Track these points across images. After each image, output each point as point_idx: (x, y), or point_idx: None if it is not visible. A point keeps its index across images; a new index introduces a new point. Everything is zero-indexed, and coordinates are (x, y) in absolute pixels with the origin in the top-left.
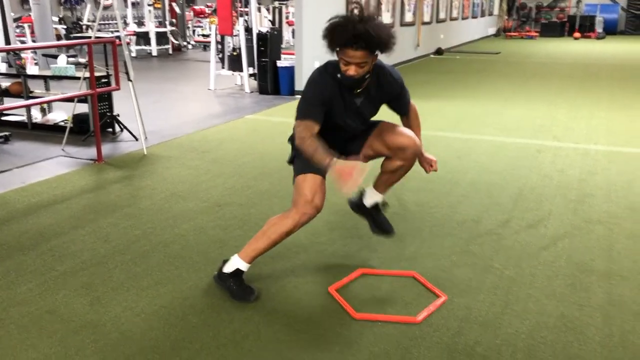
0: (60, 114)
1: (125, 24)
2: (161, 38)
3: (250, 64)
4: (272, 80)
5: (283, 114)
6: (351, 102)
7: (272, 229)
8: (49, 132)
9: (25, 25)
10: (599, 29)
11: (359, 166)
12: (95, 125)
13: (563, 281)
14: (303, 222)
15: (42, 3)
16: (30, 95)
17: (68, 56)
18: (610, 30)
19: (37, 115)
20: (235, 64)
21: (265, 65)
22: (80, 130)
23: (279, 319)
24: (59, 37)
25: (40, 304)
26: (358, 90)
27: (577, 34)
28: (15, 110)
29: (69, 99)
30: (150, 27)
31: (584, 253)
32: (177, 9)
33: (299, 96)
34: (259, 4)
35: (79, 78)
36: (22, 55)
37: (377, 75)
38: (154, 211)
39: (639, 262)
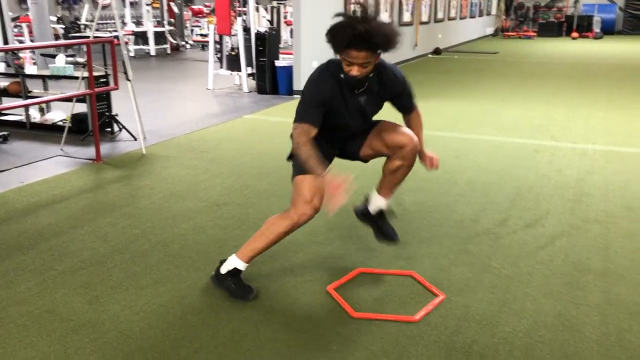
0: (59, 114)
1: (124, 23)
2: (159, 38)
3: (249, 63)
4: (271, 80)
5: (281, 114)
6: (353, 101)
7: (270, 229)
8: (48, 132)
9: (23, 24)
10: (596, 28)
11: (347, 183)
12: (94, 124)
13: (560, 280)
14: (301, 222)
15: (40, 2)
16: (29, 95)
17: (66, 56)
18: (608, 30)
19: (35, 115)
20: (233, 63)
21: (264, 65)
22: (78, 130)
23: (278, 318)
24: (57, 37)
25: (39, 303)
26: (361, 90)
27: (574, 34)
28: (14, 109)
29: (68, 99)
30: (149, 27)
31: (581, 252)
32: (176, 9)
33: (298, 96)
34: (257, 3)
35: (77, 78)
36: (21, 54)
37: (379, 74)
38: (152, 211)
39: (636, 261)
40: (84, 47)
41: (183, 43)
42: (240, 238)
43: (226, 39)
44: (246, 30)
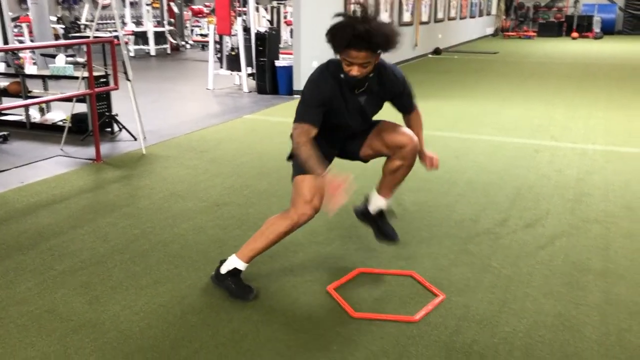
0: (59, 114)
1: (124, 23)
2: (159, 38)
3: (249, 63)
4: (271, 80)
5: (281, 114)
6: (353, 101)
7: (270, 228)
8: (48, 132)
9: (23, 24)
10: (596, 28)
11: (347, 183)
12: (94, 124)
13: (560, 280)
14: (301, 222)
15: (40, 2)
16: (29, 95)
17: (66, 56)
18: (608, 30)
19: (35, 115)
20: (233, 63)
21: (264, 65)
22: (78, 130)
23: (278, 318)
24: (57, 37)
25: (40, 303)
26: (361, 90)
27: (574, 34)
28: (14, 109)
29: (68, 99)
30: (149, 27)
31: (581, 252)
32: (176, 9)
33: (298, 96)
34: (257, 3)
35: (77, 78)
36: (21, 54)
37: (379, 74)
38: (152, 211)
39: (636, 261)
40: (84, 47)
41: (183, 43)
42: (240, 238)
43: (226, 39)
44: (246, 30)
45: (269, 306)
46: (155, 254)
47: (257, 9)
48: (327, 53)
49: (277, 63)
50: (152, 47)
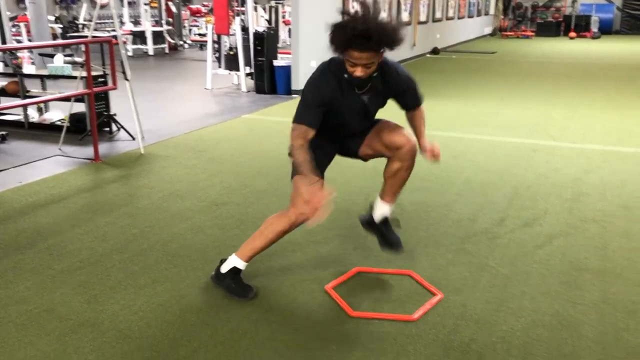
0: (57, 114)
1: (122, 23)
2: (157, 37)
3: (247, 63)
4: (269, 80)
5: (280, 114)
6: (356, 100)
7: (269, 228)
8: (46, 132)
9: (21, 24)
10: (594, 28)
11: (329, 199)
12: (92, 124)
13: (558, 279)
14: (300, 221)
15: (38, 2)
16: (27, 94)
17: (65, 55)
18: (606, 30)
19: (33, 115)
20: (232, 63)
21: (262, 64)
22: (77, 130)
23: (276, 317)
24: (55, 37)
25: (38, 302)
26: (364, 89)
27: (572, 34)
28: (12, 109)
29: (66, 99)
30: (147, 27)
31: (578, 251)
32: (174, 8)
33: (296, 96)
34: (256, 3)
35: (75, 77)
36: (19, 54)
37: (383, 72)
38: (151, 210)
39: (633, 260)
40: (82, 47)
41: (181, 43)
42: (239, 237)
43: (224, 38)
44: (244, 29)
45: (268, 305)
46: (154, 254)
47: (255, 9)
48: (325, 53)
49: (276, 63)
50: (150, 47)
